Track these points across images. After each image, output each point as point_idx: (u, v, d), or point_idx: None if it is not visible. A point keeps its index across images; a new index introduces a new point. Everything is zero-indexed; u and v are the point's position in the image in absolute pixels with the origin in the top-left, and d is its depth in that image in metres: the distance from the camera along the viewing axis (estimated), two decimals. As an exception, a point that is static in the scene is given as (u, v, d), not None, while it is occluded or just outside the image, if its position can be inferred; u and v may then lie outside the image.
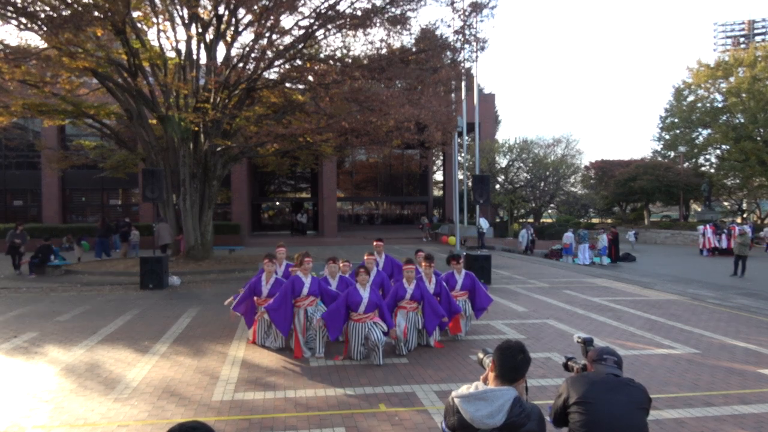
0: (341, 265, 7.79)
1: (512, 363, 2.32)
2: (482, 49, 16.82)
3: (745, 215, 45.12)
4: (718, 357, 6.81)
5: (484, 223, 25.03)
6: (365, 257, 8.03)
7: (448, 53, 16.60)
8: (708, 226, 24.78)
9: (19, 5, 12.93)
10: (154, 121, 17.77)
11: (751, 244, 17.41)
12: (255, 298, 7.31)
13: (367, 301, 6.49)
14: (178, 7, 15.77)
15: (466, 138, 32.62)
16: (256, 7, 13.91)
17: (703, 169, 42.34)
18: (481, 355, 2.68)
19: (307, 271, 6.98)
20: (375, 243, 8.66)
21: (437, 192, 42.69)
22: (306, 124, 16.85)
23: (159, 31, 16.39)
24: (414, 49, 16.43)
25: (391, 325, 6.64)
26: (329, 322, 6.54)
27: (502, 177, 38.74)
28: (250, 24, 15.88)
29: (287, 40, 15.60)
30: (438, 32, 16.62)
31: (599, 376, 2.82)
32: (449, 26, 16.08)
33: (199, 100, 15.29)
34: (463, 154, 32.93)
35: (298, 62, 15.58)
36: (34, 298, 11.66)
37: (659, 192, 36.61)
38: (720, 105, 40.57)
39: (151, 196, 13.19)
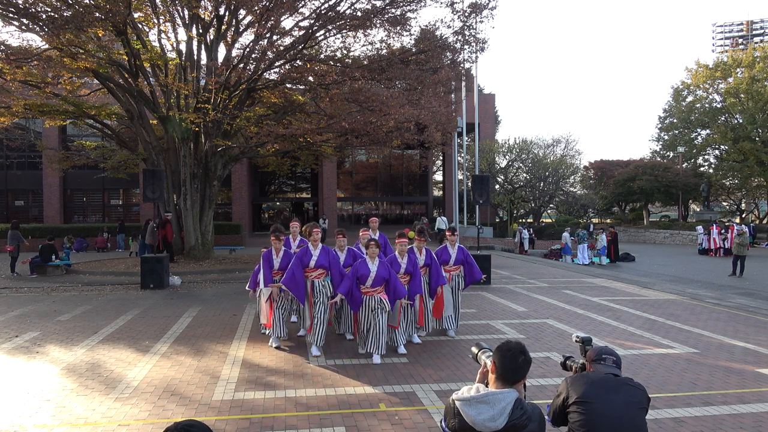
0: (362, 233, 8.14)
1: (513, 365, 2.32)
2: (482, 49, 16.85)
3: (743, 215, 45.15)
4: (716, 356, 6.83)
5: (442, 222, 26.21)
6: (360, 233, 8.14)
7: (448, 54, 16.63)
8: (714, 226, 24.82)
9: (20, 6, 12.95)
10: (155, 122, 17.80)
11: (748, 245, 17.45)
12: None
13: (375, 275, 6.52)
14: (179, 8, 15.80)
15: (466, 138, 32.68)
16: (256, 8, 13.94)
17: (701, 169, 42.40)
18: (475, 350, 2.66)
19: (316, 242, 7.01)
20: (370, 219, 8.73)
21: (437, 192, 42.72)
22: (306, 124, 16.89)
23: (160, 31, 16.44)
24: (414, 50, 16.45)
25: (403, 293, 6.73)
26: (349, 300, 6.73)
27: (502, 177, 38.79)
28: (250, 25, 15.92)
29: (287, 40, 15.63)
30: (438, 33, 16.65)
31: (598, 376, 2.83)
32: (449, 27, 16.02)
33: (199, 101, 15.32)
34: (462, 155, 32.98)
35: (299, 63, 15.60)
36: (35, 297, 11.68)
37: (658, 192, 36.65)
38: (718, 105, 40.62)
39: (152, 197, 13.22)
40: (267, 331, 7.74)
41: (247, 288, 8.07)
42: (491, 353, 2.51)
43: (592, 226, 24.63)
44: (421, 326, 7.52)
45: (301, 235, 8.24)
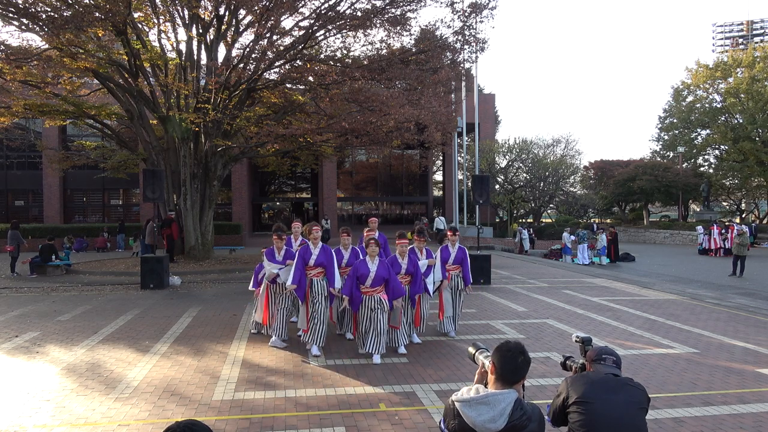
0: (366, 233, 8.15)
1: (513, 365, 2.32)
2: (482, 49, 16.85)
3: (743, 215, 45.14)
4: (716, 356, 6.83)
5: (440, 222, 26.39)
6: (365, 233, 8.20)
7: (448, 54, 16.62)
8: (715, 226, 24.80)
9: (20, 6, 12.95)
10: (155, 122, 17.80)
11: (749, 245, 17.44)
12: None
13: (375, 275, 6.51)
14: (179, 8, 15.80)
15: (466, 138, 32.69)
16: (256, 8, 13.94)
17: (702, 169, 42.38)
18: (472, 351, 2.64)
19: (316, 240, 7.03)
20: (370, 219, 8.82)
21: (437, 192, 42.72)
22: (306, 124, 16.89)
23: (160, 31, 16.44)
24: (414, 50, 16.45)
25: (402, 292, 6.75)
26: (349, 300, 6.67)
27: (502, 177, 38.79)
28: (250, 25, 15.92)
29: (287, 40, 15.63)
30: (438, 33, 16.65)
31: (598, 376, 2.83)
32: (449, 27, 16.00)
33: (199, 101, 15.32)
34: (462, 155, 32.99)
35: (299, 63, 15.61)
36: (35, 297, 11.68)
37: (658, 192, 36.66)
38: (719, 105, 40.60)
39: (152, 197, 13.21)
40: (262, 330, 7.81)
41: (251, 288, 8.13)
42: (489, 353, 2.52)
43: (595, 225, 24.61)
44: (418, 326, 7.54)
45: (302, 234, 8.28)
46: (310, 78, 15.41)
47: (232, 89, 15.46)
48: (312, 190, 38.20)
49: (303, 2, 14.71)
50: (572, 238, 22.19)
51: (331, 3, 14.79)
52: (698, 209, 42.75)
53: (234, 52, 16.40)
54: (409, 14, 15.35)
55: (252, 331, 8.11)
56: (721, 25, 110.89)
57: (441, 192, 40.18)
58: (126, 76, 15.80)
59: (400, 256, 7.05)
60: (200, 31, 15.99)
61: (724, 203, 47.46)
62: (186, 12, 15.75)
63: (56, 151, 24.06)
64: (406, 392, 5.51)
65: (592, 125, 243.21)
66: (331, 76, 14.84)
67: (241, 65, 15.22)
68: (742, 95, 37.72)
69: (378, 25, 14.91)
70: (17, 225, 16.55)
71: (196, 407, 5.11)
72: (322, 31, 15.11)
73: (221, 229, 26.34)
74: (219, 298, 11.36)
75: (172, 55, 17.06)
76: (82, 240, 25.49)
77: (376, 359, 6.50)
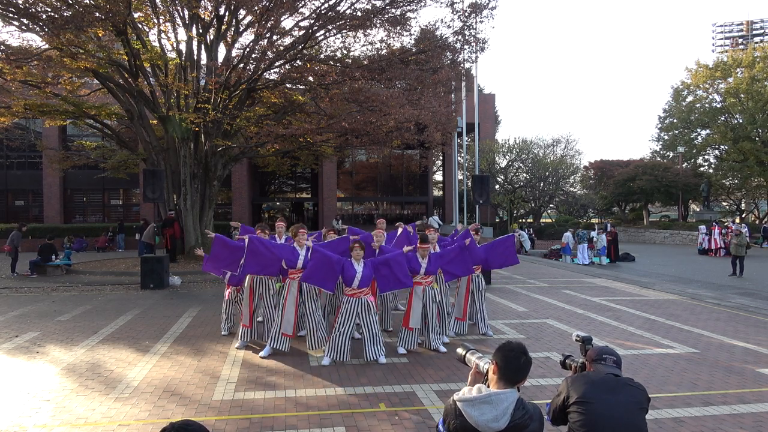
0: (376, 233, 8.20)
1: (516, 365, 2.33)
2: (482, 49, 16.85)
3: (743, 215, 45.13)
4: (716, 356, 6.84)
5: (434, 221, 26.34)
6: (376, 231, 8.23)
7: (448, 54, 16.63)
8: (715, 226, 24.79)
9: (20, 6, 12.96)
10: (155, 122, 17.79)
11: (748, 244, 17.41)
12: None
13: (361, 276, 6.46)
14: (179, 8, 15.80)
15: (466, 138, 32.68)
16: (256, 8, 13.95)
17: (701, 169, 42.34)
18: (462, 351, 2.61)
19: (302, 243, 6.96)
20: (378, 221, 9.04)
21: (437, 192, 42.71)
22: (306, 124, 16.90)
23: (160, 31, 16.44)
24: (414, 50, 16.46)
25: (386, 288, 6.88)
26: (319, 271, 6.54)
27: (502, 177, 38.78)
28: (250, 25, 15.93)
29: (287, 40, 15.64)
30: (438, 33, 16.65)
31: (599, 376, 2.83)
32: (449, 27, 16.02)
33: (199, 101, 15.32)
34: (462, 155, 32.98)
35: (299, 63, 15.62)
36: (35, 297, 11.68)
37: (658, 192, 36.63)
38: (718, 105, 40.57)
39: (152, 197, 13.22)
40: (241, 331, 7.39)
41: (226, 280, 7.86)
42: (481, 354, 2.52)
43: (609, 225, 24.37)
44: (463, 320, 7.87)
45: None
46: (310, 78, 15.42)
47: (232, 89, 15.47)
48: (312, 190, 38.18)
49: (303, 2, 14.72)
50: (573, 240, 22.14)
51: (331, 3, 14.79)
52: (698, 209, 42.73)
53: (234, 52, 16.41)
54: (409, 14, 15.38)
55: (223, 333, 8.03)
56: (721, 25, 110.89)
57: (441, 192, 40.17)
58: (126, 76, 15.80)
59: (421, 257, 7.03)
60: (200, 31, 15.99)
61: (724, 203, 47.45)
62: (186, 12, 15.75)
63: (56, 151, 24.04)
64: (406, 392, 5.51)
65: (592, 125, 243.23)
66: (331, 76, 14.85)
67: (241, 65, 15.22)
68: (742, 95, 37.70)
69: (378, 25, 14.92)
70: (20, 227, 16.56)
71: (196, 407, 5.11)
72: (322, 31, 15.11)
73: (221, 229, 26.31)
74: (219, 298, 11.30)
75: (172, 55, 17.07)
76: (82, 240, 25.49)
77: (382, 359, 6.51)
